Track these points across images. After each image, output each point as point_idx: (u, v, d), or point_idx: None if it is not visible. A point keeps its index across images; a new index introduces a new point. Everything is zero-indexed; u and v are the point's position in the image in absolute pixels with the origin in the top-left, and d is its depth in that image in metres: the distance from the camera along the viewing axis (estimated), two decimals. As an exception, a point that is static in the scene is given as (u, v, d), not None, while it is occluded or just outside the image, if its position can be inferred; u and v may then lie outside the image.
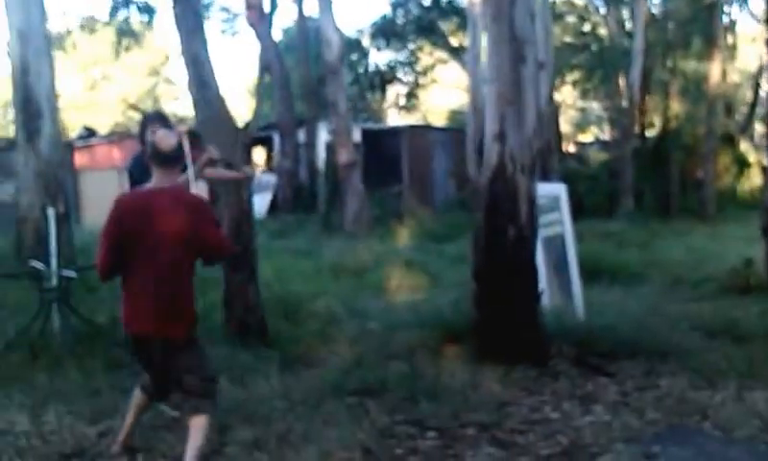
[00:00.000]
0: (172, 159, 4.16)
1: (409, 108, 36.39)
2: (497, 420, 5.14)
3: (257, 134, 21.58)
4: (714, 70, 23.05)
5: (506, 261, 6.36)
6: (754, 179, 28.53)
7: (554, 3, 28.58)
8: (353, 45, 28.31)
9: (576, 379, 6.08)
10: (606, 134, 35.88)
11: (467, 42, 28.55)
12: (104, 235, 4.08)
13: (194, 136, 5.56)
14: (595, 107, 39.74)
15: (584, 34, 30.77)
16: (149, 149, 4.23)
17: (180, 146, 4.17)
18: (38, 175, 10.11)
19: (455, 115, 39.00)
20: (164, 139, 4.16)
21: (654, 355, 6.56)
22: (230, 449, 4.62)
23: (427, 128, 27.24)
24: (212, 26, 29.17)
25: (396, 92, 35.22)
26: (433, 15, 27.64)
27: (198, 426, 4.10)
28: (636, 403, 5.52)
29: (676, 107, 25.50)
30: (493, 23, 6.39)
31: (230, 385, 5.54)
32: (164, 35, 40.48)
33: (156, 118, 5.70)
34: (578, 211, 21.44)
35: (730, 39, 27.99)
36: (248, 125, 11.55)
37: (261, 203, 20.10)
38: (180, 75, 43.15)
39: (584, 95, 37.52)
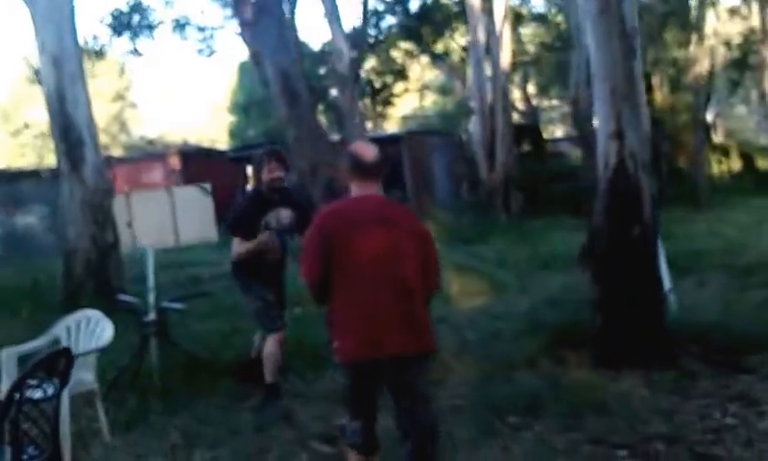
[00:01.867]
0: (375, 170, 3.74)
1: (384, 115, 36.09)
2: (676, 431, 4.79)
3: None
4: (695, 57, 23.04)
5: (632, 262, 6.04)
6: (733, 165, 28.80)
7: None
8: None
9: (717, 378, 5.76)
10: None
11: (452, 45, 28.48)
12: (309, 249, 3.70)
13: (279, 157, 5.56)
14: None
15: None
16: (348, 162, 3.77)
17: (382, 157, 3.79)
18: (85, 204, 9.58)
19: (407, 121, 39.14)
20: (366, 150, 3.79)
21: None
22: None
23: (425, 133, 26.88)
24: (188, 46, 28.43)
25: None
26: (414, 22, 27.24)
27: None
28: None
29: (660, 97, 25.53)
30: (601, 17, 6.05)
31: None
32: (126, 59, 39.61)
33: (272, 154, 5.63)
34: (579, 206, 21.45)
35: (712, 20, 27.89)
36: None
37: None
38: (144, 99, 42.18)
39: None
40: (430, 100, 43.23)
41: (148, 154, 30.14)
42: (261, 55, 10.98)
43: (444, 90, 38.93)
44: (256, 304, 5.62)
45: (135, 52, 21.65)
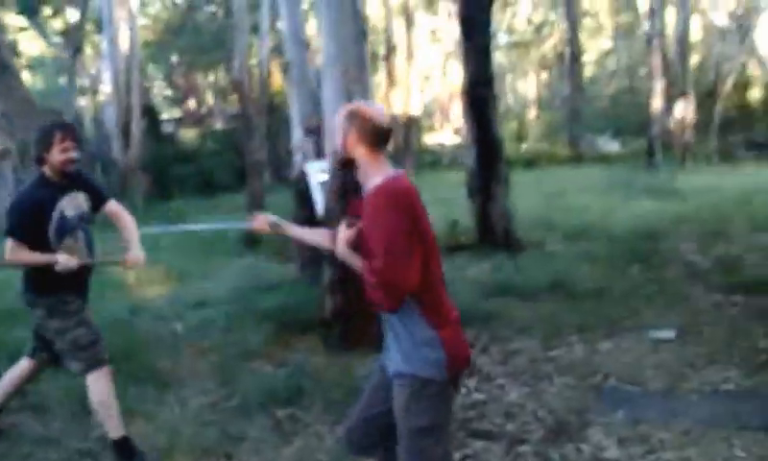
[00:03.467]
0: (389, 137, 2.95)
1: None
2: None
3: None
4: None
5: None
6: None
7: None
8: None
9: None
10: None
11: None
12: (394, 240, 2.67)
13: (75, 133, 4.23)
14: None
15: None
16: (362, 127, 2.85)
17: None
18: None
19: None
20: (379, 112, 2.91)
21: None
22: None
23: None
24: None
25: None
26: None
27: None
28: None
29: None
30: (335, 1, 5.86)
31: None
32: None
33: (66, 129, 4.17)
34: (208, 187, 21.24)
35: None
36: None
37: None
38: None
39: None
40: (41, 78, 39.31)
41: None
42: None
43: (58, 69, 35.65)
44: (77, 332, 4.07)
45: None
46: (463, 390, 5.27)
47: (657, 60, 19.87)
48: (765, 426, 4.39)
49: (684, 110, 20.94)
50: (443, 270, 2.94)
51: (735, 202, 13.50)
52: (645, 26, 23.57)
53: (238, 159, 20.20)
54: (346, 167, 3.03)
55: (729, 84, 22.57)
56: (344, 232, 2.89)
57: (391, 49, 24.00)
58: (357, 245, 2.84)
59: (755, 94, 23.17)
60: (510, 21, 34.39)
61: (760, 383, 5.15)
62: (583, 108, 26.51)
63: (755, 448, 4.15)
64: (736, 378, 5.27)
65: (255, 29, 18.98)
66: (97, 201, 4.29)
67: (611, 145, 25.33)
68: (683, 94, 20.84)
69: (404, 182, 2.80)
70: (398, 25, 24.96)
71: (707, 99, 22.21)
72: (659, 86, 19.91)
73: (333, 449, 4.25)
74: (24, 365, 4.35)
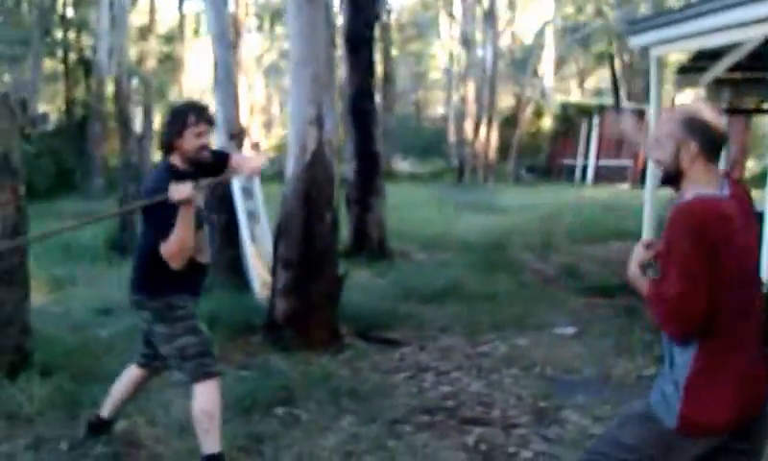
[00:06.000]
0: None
1: None
2: (421, 402, 5.12)
3: None
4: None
5: (322, 247, 6.06)
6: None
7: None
8: None
9: (385, 353, 6.23)
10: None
11: None
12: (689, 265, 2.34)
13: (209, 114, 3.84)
14: None
15: None
16: (701, 135, 2.44)
17: None
18: None
19: None
20: (719, 117, 2.53)
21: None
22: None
23: None
24: None
25: None
26: None
27: None
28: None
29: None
30: (308, 4, 5.91)
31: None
32: None
33: (200, 111, 3.70)
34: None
35: None
36: None
37: None
38: None
39: None
40: None
41: None
42: None
43: None
44: (188, 339, 3.70)
45: None
46: (426, 384, 5.57)
47: (470, 89, 21.32)
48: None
49: (488, 135, 22.62)
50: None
51: (551, 217, 14.92)
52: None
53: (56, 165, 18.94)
54: (668, 185, 2.56)
55: (528, 112, 24.75)
56: (639, 251, 2.58)
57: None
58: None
59: (546, 124, 25.56)
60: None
61: (671, 369, 5.91)
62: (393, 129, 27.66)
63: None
64: (650, 366, 5.97)
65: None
66: (221, 165, 3.89)
67: (416, 165, 26.65)
68: (489, 121, 22.52)
69: (723, 207, 2.41)
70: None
71: (507, 125, 24.16)
72: (471, 112, 21.38)
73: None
74: (135, 373, 4.06)
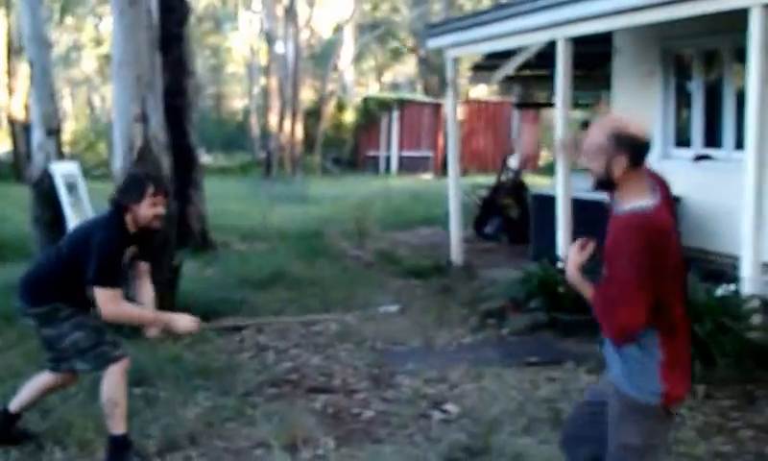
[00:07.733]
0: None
1: None
2: (300, 376, 5.44)
3: None
4: None
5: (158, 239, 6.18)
6: None
7: None
8: None
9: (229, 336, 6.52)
10: None
11: None
12: (631, 283, 2.55)
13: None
14: None
15: None
16: (629, 148, 2.61)
17: None
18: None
19: None
20: (642, 126, 2.69)
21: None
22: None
23: None
24: None
25: None
26: None
27: None
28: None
29: None
30: (130, 8, 5.99)
31: None
32: None
33: (159, 182, 4.11)
34: None
35: None
36: None
37: None
38: None
39: None
40: None
41: None
42: None
43: None
44: (78, 334, 3.92)
45: None
46: (270, 361, 5.92)
47: (273, 83, 21.52)
48: (516, 363, 5.81)
49: (293, 129, 22.99)
50: None
51: (362, 206, 15.55)
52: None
53: None
54: (600, 190, 2.74)
55: (330, 106, 25.38)
56: (575, 255, 2.74)
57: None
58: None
59: (348, 117, 26.31)
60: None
61: (487, 337, 6.65)
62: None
63: (513, 376, 5.52)
64: (467, 336, 6.69)
65: None
66: (144, 257, 4.16)
67: (220, 159, 26.45)
68: (293, 114, 22.87)
69: (660, 217, 2.62)
70: None
71: (311, 118, 24.65)
72: (275, 106, 21.60)
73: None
74: (47, 378, 4.15)
